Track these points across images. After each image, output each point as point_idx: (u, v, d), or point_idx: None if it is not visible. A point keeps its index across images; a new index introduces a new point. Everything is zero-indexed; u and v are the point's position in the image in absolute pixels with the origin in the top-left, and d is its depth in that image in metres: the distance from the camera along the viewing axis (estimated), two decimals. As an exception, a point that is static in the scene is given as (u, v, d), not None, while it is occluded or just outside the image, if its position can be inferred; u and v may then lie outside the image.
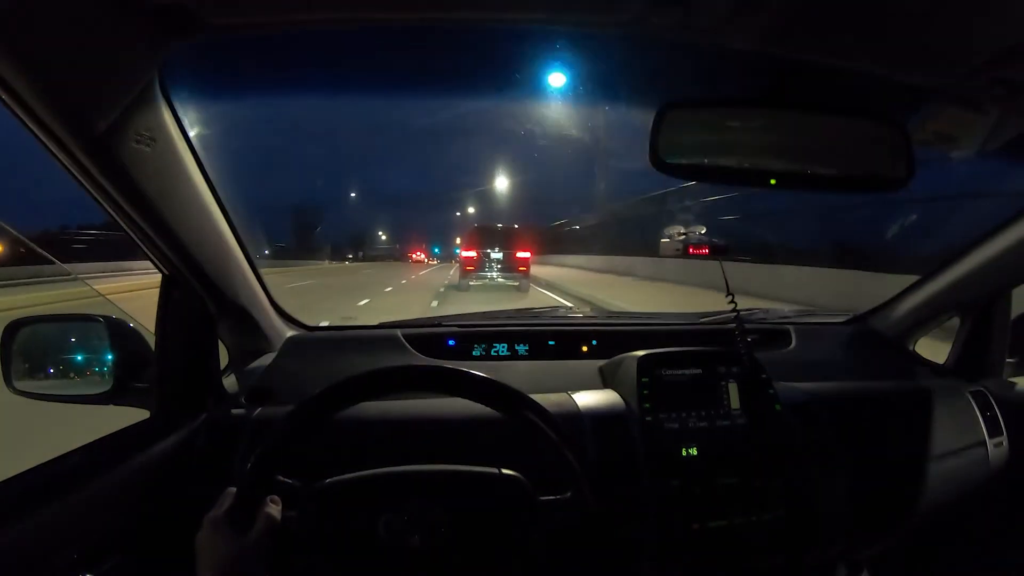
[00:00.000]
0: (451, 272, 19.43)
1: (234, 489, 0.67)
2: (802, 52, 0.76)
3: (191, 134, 0.80)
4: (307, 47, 0.82)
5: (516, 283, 11.69)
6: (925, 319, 1.29)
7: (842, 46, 0.75)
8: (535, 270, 13.24)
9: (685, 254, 0.93)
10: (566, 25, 0.68)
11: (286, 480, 0.70)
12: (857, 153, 0.81)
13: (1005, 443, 1.16)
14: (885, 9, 0.64)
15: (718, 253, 0.95)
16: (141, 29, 0.61)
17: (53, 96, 0.59)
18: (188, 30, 0.63)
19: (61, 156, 0.67)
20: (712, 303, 1.25)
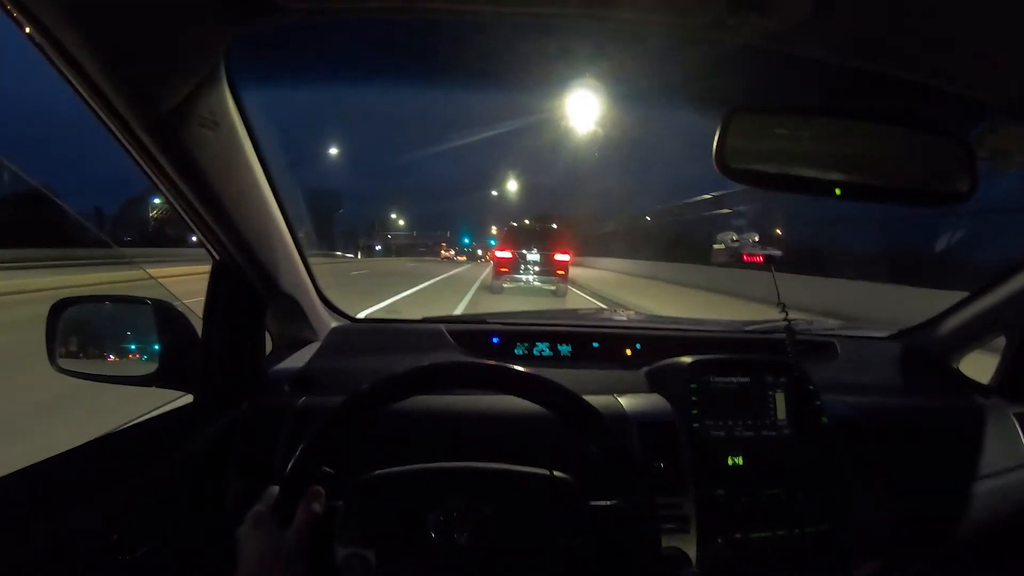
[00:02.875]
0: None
1: (277, 487, 0.66)
2: (871, 61, 0.76)
3: (251, 120, 0.80)
4: (371, 34, 0.81)
5: (553, 287, 11.05)
6: (971, 337, 1.27)
7: (911, 57, 0.74)
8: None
9: (739, 261, 0.91)
10: (644, 26, 0.67)
11: (332, 472, 0.70)
12: (922, 166, 0.80)
13: None
14: (954, 22, 0.63)
15: (772, 262, 0.93)
16: (214, 9, 0.61)
17: (120, 74, 0.59)
18: (259, 13, 0.63)
19: (122, 136, 0.67)
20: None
